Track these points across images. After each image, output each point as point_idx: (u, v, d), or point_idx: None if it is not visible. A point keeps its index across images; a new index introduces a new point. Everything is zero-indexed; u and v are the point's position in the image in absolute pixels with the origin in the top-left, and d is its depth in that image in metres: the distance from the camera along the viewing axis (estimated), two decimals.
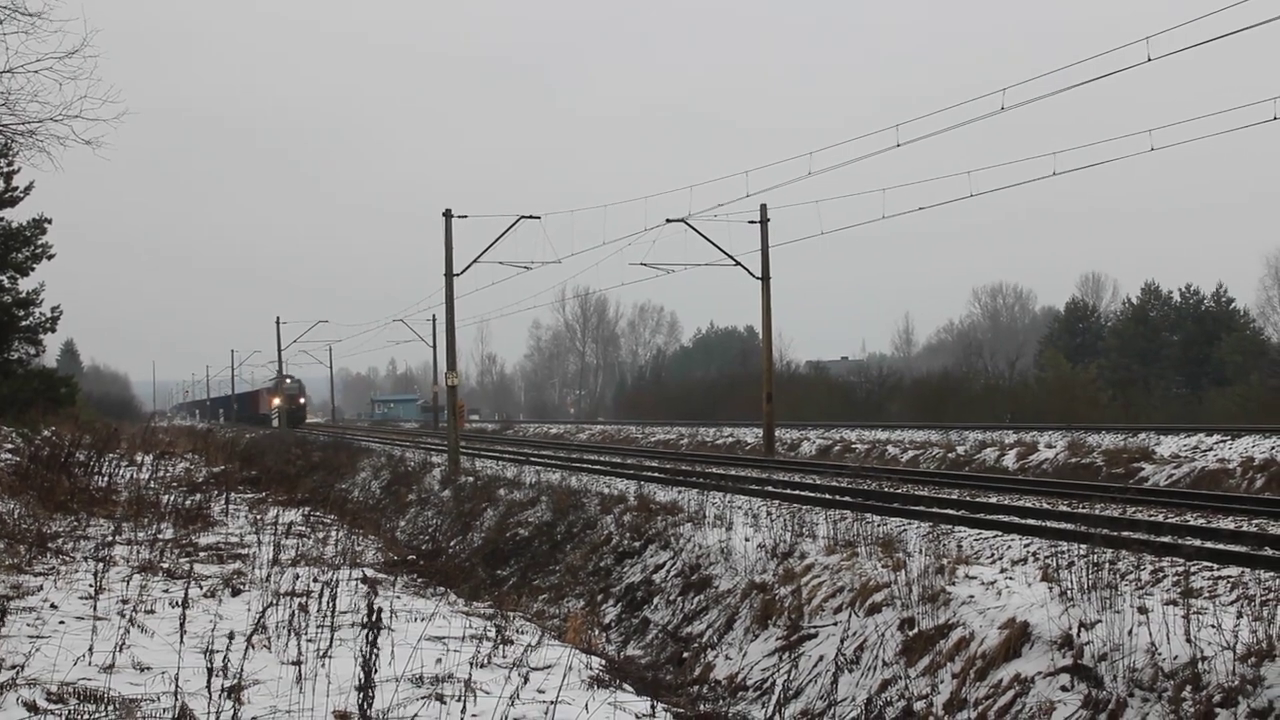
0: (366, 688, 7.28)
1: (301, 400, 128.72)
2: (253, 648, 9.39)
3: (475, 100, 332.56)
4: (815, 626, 14.75)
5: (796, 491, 29.27)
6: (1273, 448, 32.86)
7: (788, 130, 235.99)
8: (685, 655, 16.60)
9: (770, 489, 30.33)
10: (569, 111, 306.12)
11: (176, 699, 8.91)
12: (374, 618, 7.52)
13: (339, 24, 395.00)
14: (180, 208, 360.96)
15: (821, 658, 13.89)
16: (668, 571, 19.75)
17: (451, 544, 28.55)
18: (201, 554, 18.45)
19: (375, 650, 7.45)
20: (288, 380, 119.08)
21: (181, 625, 10.58)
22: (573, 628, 16.56)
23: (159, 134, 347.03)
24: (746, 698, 14.37)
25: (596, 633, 18.01)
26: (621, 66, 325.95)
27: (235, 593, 15.12)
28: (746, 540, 18.88)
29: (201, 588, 15.14)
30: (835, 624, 14.32)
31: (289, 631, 11.58)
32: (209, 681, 8.00)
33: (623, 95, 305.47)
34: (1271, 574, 15.34)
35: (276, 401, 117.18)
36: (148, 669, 10.62)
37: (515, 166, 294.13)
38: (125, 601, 13.47)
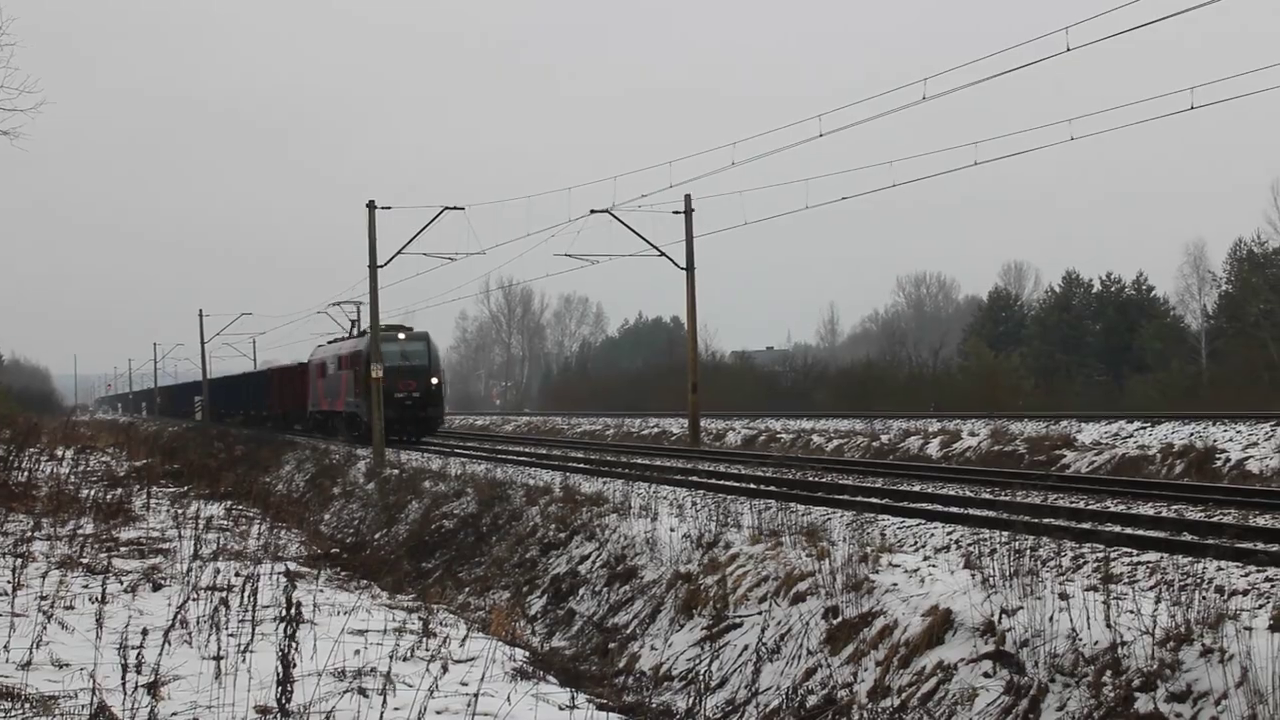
0: (285, 682, 7.24)
1: (435, 380, 58.17)
2: (170, 643, 9.30)
3: (425, 83, 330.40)
4: (740, 616, 14.77)
5: (722, 481, 29.33)
6: (1191, 434, 33.23)
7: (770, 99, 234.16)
8: (611, 646, 16.60)
9: (695, 479, 30.38)
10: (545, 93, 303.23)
11: (94, 696, 8.82)
12: (293, 611, 7.48)
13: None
14: (99, 197, 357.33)
15: (746, 647, 13.91)
16: (593, 562, 19.75)
17: (376, 537, 28.42)
18: (122, 549, 18.30)
19: (294, 644, 7.40)
20: (400, 336, 56.88)
21: (99, 621, 10.49)
22: (497, 620, 16.54)
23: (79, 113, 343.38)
24: (672, 687, 14.37)
25: (522, 624, 17.98)
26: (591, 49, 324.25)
27: (156, 588, 15.02)
28: (672, 530, 18.90)
29: (122, 583, 15.02)
30: (760, 613, 14.35)
31: (210, 626, 11.50)
32: (124, 678, 7.93)
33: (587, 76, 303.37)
34: (1190, 559, 15.50)
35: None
36: (66, 666, 10.52)
37: (454, 154, 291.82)
38: (44, 598, 13.32)
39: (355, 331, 63.70)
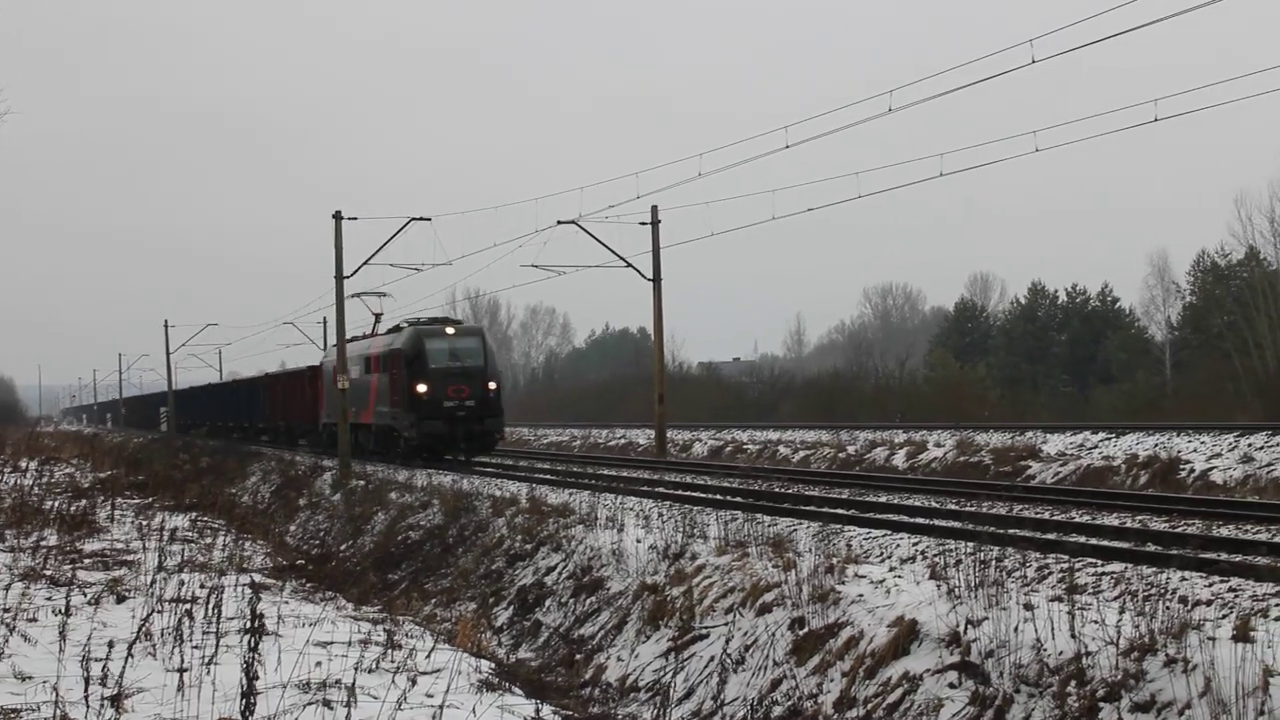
0: (249, 694, 7.22)
1: (493, 385, 45.70)
2: (133, 656, 9.24)
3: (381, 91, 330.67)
4: (706, 627, 14.77)
5: (688, 492, 29.31)
6: (1156, 445, 33.36)
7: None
8: (577, 657, 16.57)
9: (662, 490, 30.33)
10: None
11: (57, 709, 8.77)
12: (256, 623, 7.45)
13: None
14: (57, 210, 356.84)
15: (713, 658, 13.90)
16: (560, 574, 19.71)
17: (342, 548, 28.33)
18: (87, 560, 18.24)
19: (258, 656, 7.38)
20: (448, 331, 45.95)
21: (62, 633, 10.43)
22: (463, 631, 16.50)
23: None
24: (638, 699, 14.36)
25: (488, 635, 17.94)
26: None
27: (120, 599, 14.95)
28: (638, 542, 18.88)
29: (86, 595, 14.95)
30: (726, 624, 14.35)
31: (174, 638, 11.44)
32: (87, 690, 7.89)
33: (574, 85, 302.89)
34: (1153, 569, 15.54)
35: (422, 388, 44.18)
36: (29, 678, 10.46)
37: (414, 166, 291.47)
38: (7, 610, 13.27)
39: (378, 326, 53.19)
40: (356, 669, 10.69)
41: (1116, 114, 35.73)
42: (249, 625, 7.59)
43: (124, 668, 8.59)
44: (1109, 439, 35.98)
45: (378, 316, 53.10)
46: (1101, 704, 9.58)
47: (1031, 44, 26.39)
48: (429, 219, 45.90)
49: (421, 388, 43.89)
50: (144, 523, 22.04)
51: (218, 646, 11.17)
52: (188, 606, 12.83)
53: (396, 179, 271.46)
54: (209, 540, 21.14)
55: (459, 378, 44.22)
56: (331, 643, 12.54)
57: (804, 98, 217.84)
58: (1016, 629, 10.86)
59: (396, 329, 47.97)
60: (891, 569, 14.84)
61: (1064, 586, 12.62)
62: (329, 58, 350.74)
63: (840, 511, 24.18)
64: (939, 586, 12.84)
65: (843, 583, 13.81)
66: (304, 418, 61.91)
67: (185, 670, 10.43)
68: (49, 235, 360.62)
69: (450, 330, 45.72)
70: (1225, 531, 19.81)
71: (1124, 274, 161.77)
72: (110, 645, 8.64)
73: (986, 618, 11.36)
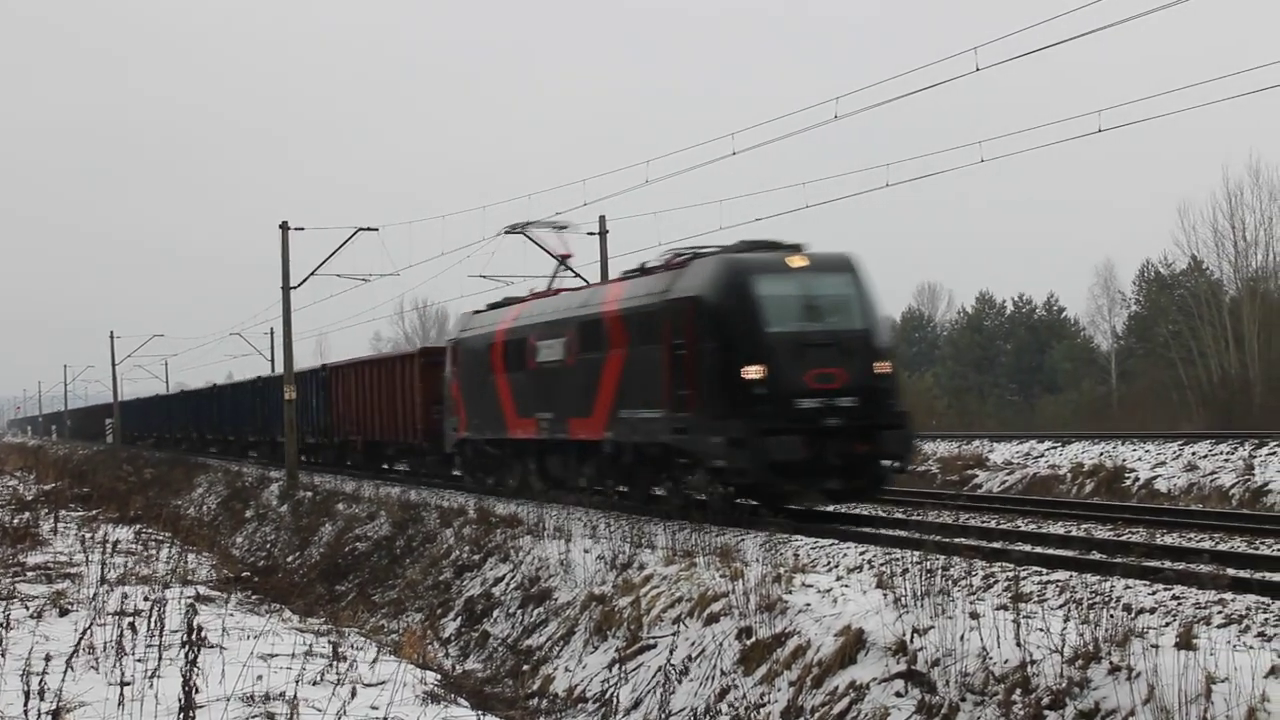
0: (187, 708, 7.16)
1: (885, 366, 23.26)
2: (74, 669, 9.15)
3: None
4: (654, 637, 14.76)
5: (637, 502, 29.21)
6: (1101, 453, 33.52)
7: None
8: (524, 668, 16.55)
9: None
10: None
11: None
12: (195, 636, 7.39)
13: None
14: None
15: (660, 668, 13.89)
16: (507, 584, 19.68)
17: (289, 560, 28.18)
18: (29, 573, 18.06)
19: (197, 669, 7.32)
20: (790, 263, 23.56)
21: (1, 647, 10.31)
22: (408, 642, 16.42)
23: None
24: (586, 709, 14.37)
25: (435, 647, 17.89)
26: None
27: (63, 613, 14.82)
28: (586, 552, 18.86)
29: (28, 608, 14.81)
30: (674, 634, 14.34)
31: (116, 651, 11.34)
32: (26, 705, 7.80)
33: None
34: (1098, 578, 15.62)
35: (755, 372, 22.13)
36: None
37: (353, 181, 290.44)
38: None
39: (556, 280, 35.38)
40: (299, 681, 10.61)
41: (1061, 125, 35.93)
42: (186, 638, 7.52)
43: (63, 681, 8.50)
44: (1055, 448, 36.14)
45: (562, 260, 36.57)
46: (1046, 712, 9.62)
47: (976, 51, 26.46)
48: (376, 229, 45.53)
49: (754, 371, 22.84)
50: (88, 535, 21.84)
51: (160, 659, 11.07)
52: (130, 619, 12.72)
53: (345, 191, 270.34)
54: (153, 552, 20.96)
55: (825, 351, 23.27)
56: (275, 655, 12.45)
57: (753, 107, 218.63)
58: (962, 637, 10.90)
59: (666, 266, 26.41)
60: (839, 578, 14.86)
61: (1009, 595, 12.66)
62: (283, 67, 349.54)
63: (787, 521, 24.16)
64: (886, 595, 12.87)
65: (790, 592, 13.83)
66: (403, 431, 42.24)
67: (127, 684, 10.33)
68: None
69: (796, 262, 24.29)
70: (1169, 540, 19.91)
71: (1070, 284, 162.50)
72: (48, 659, 8.56)
73: (933, 626, 11.40)
